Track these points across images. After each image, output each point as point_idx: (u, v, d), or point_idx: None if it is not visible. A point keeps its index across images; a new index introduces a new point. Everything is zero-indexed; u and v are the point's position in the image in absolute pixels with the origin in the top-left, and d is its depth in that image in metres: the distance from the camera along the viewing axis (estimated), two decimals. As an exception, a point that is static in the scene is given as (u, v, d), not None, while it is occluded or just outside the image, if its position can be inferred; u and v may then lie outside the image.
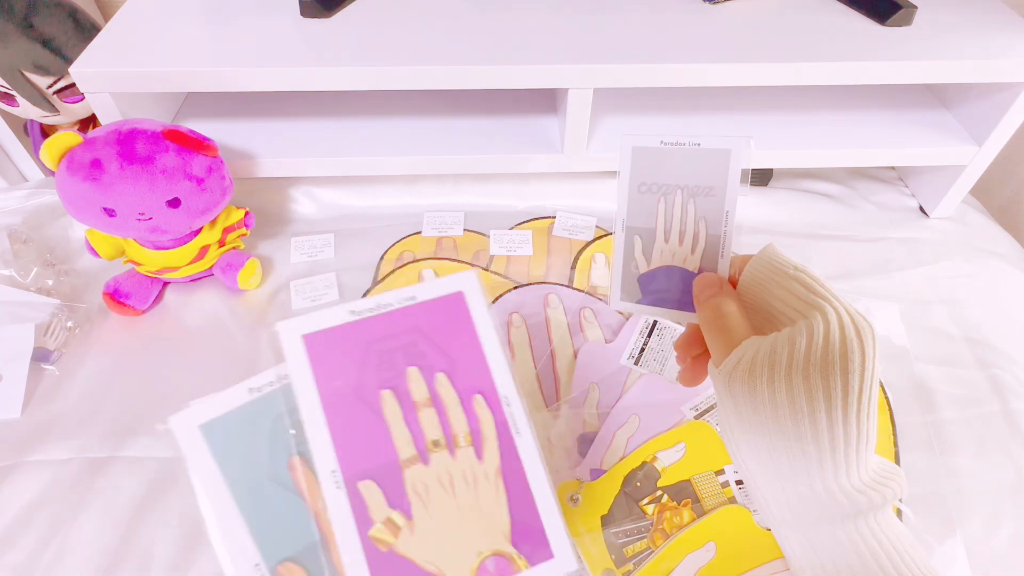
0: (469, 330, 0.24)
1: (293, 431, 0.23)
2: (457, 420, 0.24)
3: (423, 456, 0.23)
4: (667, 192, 0.37)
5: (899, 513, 0.46)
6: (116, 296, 0.56)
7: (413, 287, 0.25)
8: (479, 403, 0.24)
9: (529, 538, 0.24)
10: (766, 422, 0.30)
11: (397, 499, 0.23)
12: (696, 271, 0.37)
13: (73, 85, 0.60)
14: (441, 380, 0.24)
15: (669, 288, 0.37)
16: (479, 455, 0.24)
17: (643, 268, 0.38)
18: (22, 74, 0.62)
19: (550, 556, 0.24)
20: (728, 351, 0.32)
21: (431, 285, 0.24)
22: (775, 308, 0.33)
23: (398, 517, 0.23)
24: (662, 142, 0.36)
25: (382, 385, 0.24)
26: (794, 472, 0.30)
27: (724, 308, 0.33)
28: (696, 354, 0.36)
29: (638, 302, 0.38)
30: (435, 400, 0.24)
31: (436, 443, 0.24)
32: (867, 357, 0.30)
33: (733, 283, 0.36)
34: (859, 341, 0.30)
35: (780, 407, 0.30)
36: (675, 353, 0.39)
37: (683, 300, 0.37)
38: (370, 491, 0.23)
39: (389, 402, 0.24)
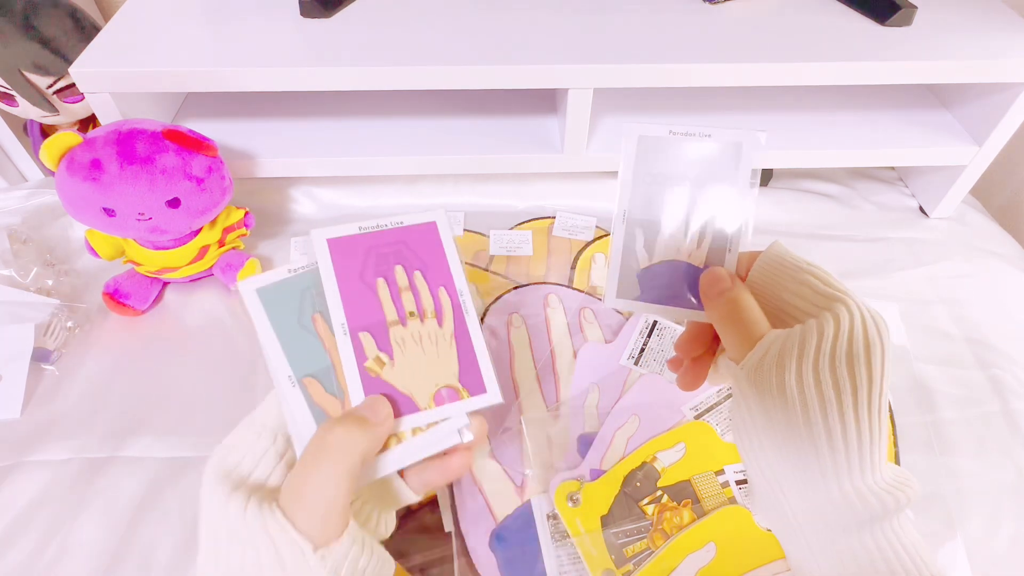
0: (439, 246, 0.36)
1: (317, 298, 0.34)
2: (427, 300, 0.35)
3: (403, 320, 0.35)
4: (674, 183, 0.36)
5: (899, 513, 0.46)
6: (116, 296, 0.56)
7: (401, 215, 0.36)
8: (442, 292, 0.36)
9: (471, 379, 0.35)
10: (794, 418, 0.29)
11: (384, 346, 0.34)
12: (701, 267, 0.35)
13: (73, 85, 0.60)
14: (417, 276, 0.36)
15: (672, 284, 0.36)
16: (440, 324, 0.35)
17: (644, 263, 0.36)
18: (22, 74, 0.62)
19: (484, 391, 0.35)
20: (749, 345, 0.31)
21: (414, 216, 0.36)
22: (788, 304, 0.32)
23: (384, 357, 0.34)
24: (671, 131, 0.35)
25: (377, 275, 0.35)
26: (823, 471, 0.29)
27: (742, 301, 0.32)
28: (697, 355, 0.36)
29: (636, 299, 0.36)
30: (412, 287, 0.35)
31: (412, 313, 0.35)
32: (886, 351, 0.30)
33: (742, 279, 0.35)
34: (878, 334, 0.30)
35: (810, 401, 0.29)
36: (673, 355, 0.38)
37: (686, 297, 0.36)
38: (366, 338, 0.34)
39: (382, 285, 0.35)
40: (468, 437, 0.34)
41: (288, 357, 0.33)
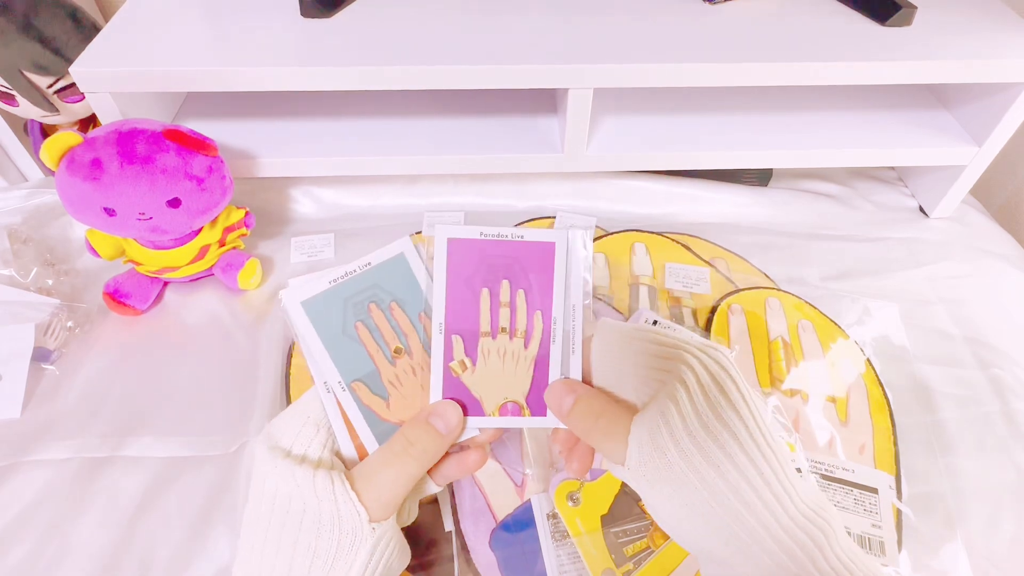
0: (549, 269, 0.36)
1: (359, 307, 0.36)
2: (521, 320, 0.37)
3: (494, 333, 0.36)
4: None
5: (899, 513, 0.46)
6: (116, 296, 0.56)
7: (524, 229, 0.37)
8: (538, 316, 0.37)
9: (536, 400, 0.37)
10: (699, 492, 0.29)
11: (471, 351, 0.36)
12: (530, 367, 0.37)
13: (73, 85, 0.60)
14: (520, 294, 0.36)
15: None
16: (526, 346, 0.37)
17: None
18: (22, 74, 0.62)
19: (544, 415, 0.37)
20: (622, 446, 0.32)
21: (537, 232, 0.36)
22: (636, 376, 0.33)
23: (468, 362, 0.36)
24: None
25: (483, 284, 0.36)
26: (750, 531, 0.29)
27: (594, 408, 0.34)
28: (576, 448, 0.37)
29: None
30: (512, 305, 0.36)
31: (504, 329, 0.36)
32: (739, 383, 0.30)
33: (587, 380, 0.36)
34: (726, 372, 0.31)
35: (701, 469, 0.29)
36: (558, 455, 0.39)
37: (536, 408, 0.37)
38: (457, 341, 0.36)
39: (484, 296, 0.36)
40: (474, 432, 0.37)
41: (336, 364, 0.36)
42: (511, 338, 0.36)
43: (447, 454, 0.37)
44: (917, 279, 0.63)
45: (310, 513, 0.33)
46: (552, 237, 0.37)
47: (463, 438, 0.37)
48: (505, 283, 0.36)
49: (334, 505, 0.32)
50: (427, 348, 0.37)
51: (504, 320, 0.36)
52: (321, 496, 0.32)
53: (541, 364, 0.37)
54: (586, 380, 0.37)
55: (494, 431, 0.38)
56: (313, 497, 0.32)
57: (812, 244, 0.66)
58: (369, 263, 0.36)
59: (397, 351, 0.37)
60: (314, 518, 0.32)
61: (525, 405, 0.37)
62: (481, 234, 0.36)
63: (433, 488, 0.38)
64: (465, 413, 0.36)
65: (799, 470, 0.44)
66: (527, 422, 0.37)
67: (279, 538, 0.33)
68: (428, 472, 0.37)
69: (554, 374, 0.37)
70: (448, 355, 0.36)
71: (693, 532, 0.31)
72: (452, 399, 0.36)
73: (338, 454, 0.36)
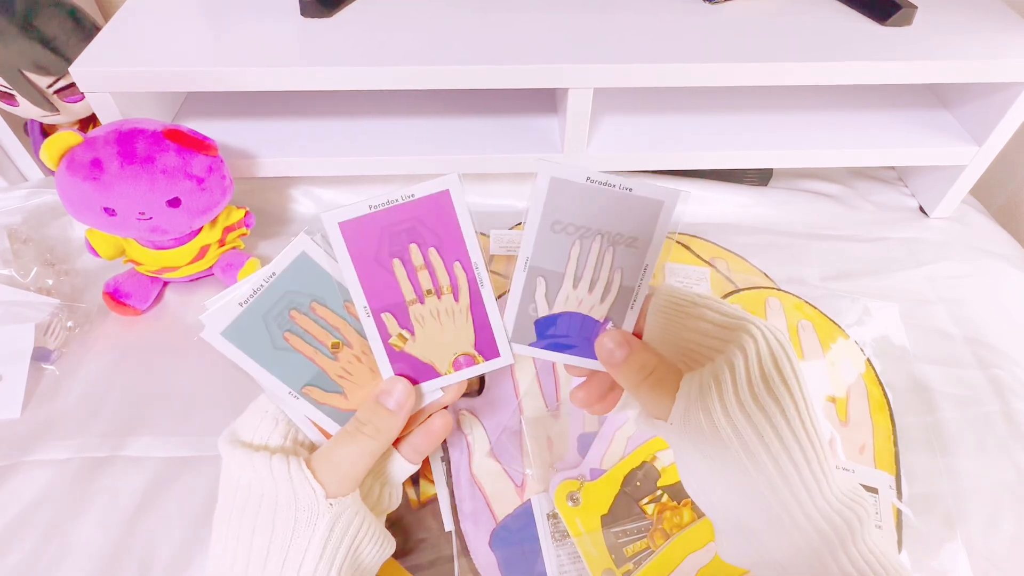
0: (452, 217, 0.35)
1: (280, 318, 0.35)
2: (443, 277, 0.36)
3: (420, 299, 0.36)
4: (584, 235, 0.35)
5: (899, 514, 0.46)
6: (116, 296, 0.56)
7: (413, 187, 0.34)
8: (457, 267, 0.36)
9: (485, 346, 0.37)
10: (738, 458, 0.29)
11: (405, 323, 0.36)
12: (602, 319, 0.36)
13: (73, 85, 0.60)
14: (432, 253, 0.35)
15: (569, 335, 0.37)
16: (456, 299, 0.36)
17: (542, 312, 0.37)
18: (22, 74, 0.62)
19: (497, 355, 0.37)
20: (667, 401, 0.31)
21: (425, 185, 0.34)
22: (691, 343, 0.33)
23: (405, 334, 0.36)
24: (588, 179, 0.34)
25: (393, 255, 0.35)
26: (784, 503, 0.29)
27: (646, 362, 0.33)
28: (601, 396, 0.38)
29: (531, 344, 0.37)
30: (428, 265, 0.36)
31: (429, 291, 0.36)
32: (795, 364, 0.30)
33: (637, 334, 0.36)
34: (784, 351, 0.30)
35: (746, 436, 0.29)
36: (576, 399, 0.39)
37: (583, 348, 0.37)
38: (388, 319, 0.36)
39: (398, 266, 0.35)
40: (437, 395, 0.38)
41: (281, 378, 0.36)
42: (439, 297, 0.36)
43: (411, 427, 0.38)
44: (917, 279, 0.63)
45: (268, 496, 0.33)
46: (443, 185, 0.34)
47: (427, 402, 0.38)
48: (413, 247, 0.35)
49: (289, 485, 0.33)
50: (362, 334, 0.36)
51: (426, 282, 0.36)
52: (277, 478, 0.33)
53: (477, 310, 0.37)
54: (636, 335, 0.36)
55: (455, 391, 0.38)
56: (270, 480, 0.33)
57: (812, 244, 0.66)
58: (273, 272, 0.35)
59: (335, 346, 0.37)
60: (271, 500, 0.33)
61: (476, 353, 0.37)
62: (371, 207, 0.34)
63: (408, 468, 0.39)
64: (420, 381, 0.37)
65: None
66: (483, 367, 0.37)
67: (240, 524, 0.34)
68: (400, 451, 0.38)
69: (493, 315, 0.37)
70: (384, 334, 0.36)
71: (725, 497, 0.31)
72: (403, 373, 0.37)
73: (304, 444, 0.37)
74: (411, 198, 0.34)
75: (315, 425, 0.37)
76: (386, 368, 0.37)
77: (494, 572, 0.43)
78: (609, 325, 0.36)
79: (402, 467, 0.39)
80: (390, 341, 0.36)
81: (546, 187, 0.34)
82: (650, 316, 0.35)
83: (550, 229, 0.35)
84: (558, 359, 0.38)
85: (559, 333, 0.37)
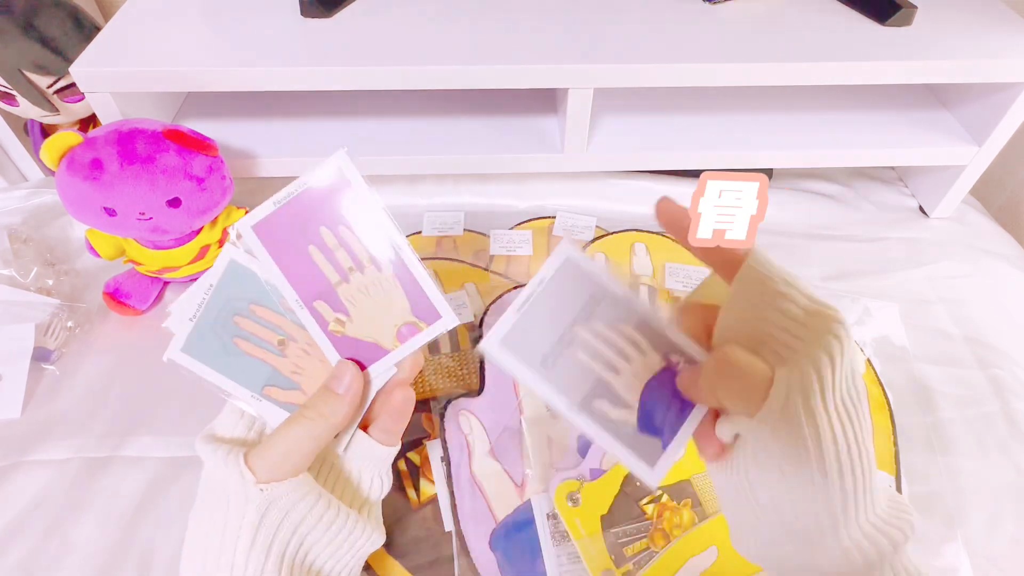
0: (352, 192, 0.36)
1: (225, 327, 0.36)
2: (360, 251, 0.36)
3: (345, 279, 0.36)
4: (570, 342, 0.32)
5: (899, 513, 0.46)
6: (116, 296, 0.56)
7: (306, 176, 0.35)
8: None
9: (424, 311, 0.36)
10: (821, 460, 0.27)
11: (338, 307, 0.36)
12: (665, 366, 0.33)
13: (73, 85, 0.60)
14: (343, 230, 0.36)
15: (665, 402, 0.33)
16: (379, 269, 0.36)
17: (633, 419, 0.33)
18: (22, 74, 0.62)
19: (439, 318, 0.36)
20: (755, 398, 0.28)
21: (316, 169, 0.35)
22: (779, 328, 0.29)
23: (342, 316, 0.36)
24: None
25: (308, 243, 0.36)
26: (833, 518, 0.27)
27: (730, 355, 0.29)
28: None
29: (665, 448, 0.32)
30: (342, 243, 0.36)
31: (351, 268, 0.36)
32: (860, 372, 0.29)
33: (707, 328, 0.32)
34: (858, 360, 0.29)
35: (839, 437, 0.27)
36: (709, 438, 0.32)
37: (686, 404, 0.33)
38: (321, 306, 0.36)
39: (315, 252, 0.36)
40: (391, 372, 0.37)
41: (241, 383, 0.37)
42: (363, 271, 0.36)
43: (378, 407, 0.38)
44: (917, 279, 0.63)
45: (217, 486, 0.34)
46: (332, 163, 0.36)
47: (384, 381, 0.37)
48: (323, 229, 0.36)
49: (225, 474, 0.33)
50: (303, 328, 0.37)
51: (345, 261, 0.36)
52: (217, 471, 0.34)
53: (403, 276, 0.36)
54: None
55: (411, 363, 0.38)
56: (214, 474, 0.34)
57: (812, 244, 0.66)
58: (211, 284, 0.36)
59: (281, 343, 0.37)
60: (215, 490, 0.34)
61: (417, 320, 0.37)
62: (275, 204, 0.36)
63: (388, 450, 0.39)
64: (370, 360, 0.37)
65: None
66: (428, 333, 0.37)
67: (196, 514, 0.35)
68: (371, 435, 0.38)
69: (421, 277, 0.36)
70: (322, 322, 0.36)
71: (784, 496, 0.28)
72: (351, 357, 0.37)
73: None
74: (306, 186, 0.36)
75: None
76: (331, 354, 0.37)
77: (494, 572, 0.43)
78: (673, 359, 0.33)
79: (381, 450, 0.39)
80: (329, 328, 0.36)
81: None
82: (736, 284, 0.30)
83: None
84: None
85: (661, 409, 0.32)
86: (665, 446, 0.32)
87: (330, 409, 0.35)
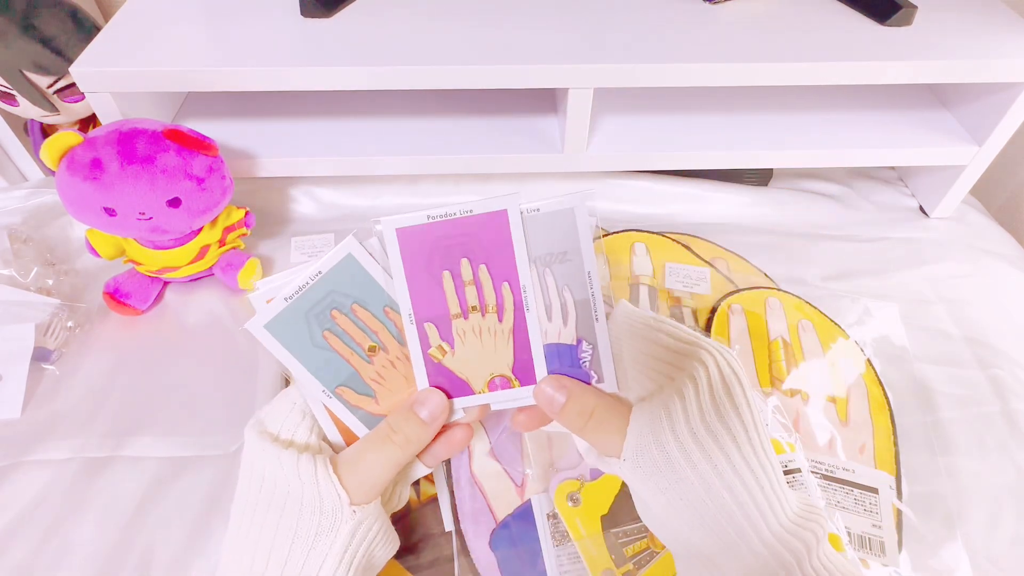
0: (507, 238, 0.35)
1: (321, 316, 0.36)
2: (489, 296, 0.36)
3: (464, 314, 0.36)
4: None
5: (899, 514, 0.46)
6: (116, 296, 0.56)
7: (472, 203, 0.35)
8: (505, 287, 0.36)
9: (523, 371, 0.37)
10: (693, 489, 0.29)
11: (446, 336, 0.36)
12: (575, 343, 0.36)
13: (73, 85, 0.60)
14: (483, 269, 0.35)
15: (560, 370, 0.37)
16: (500, 319, 0.36)
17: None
18: (22, 74, 0.62)
19: (534, 383, 0.37)
20: (616, 440, 0.32)
21: (485, 202, 0.35)
22: (646, 367, 0.33)
23: (446, 346, 0.36)
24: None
25: (443, 267, 0.35)
26: (740, 531, 0.29)
27: (587, 405, 0.34)
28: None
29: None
30: (476, 282, 0.36)
31: (474, 308, 0.36)
32: (746, 388, 0.31)
33: None
34: (735, 375, 0.31)
35: (699, 465, 0.29)
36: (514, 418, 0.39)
37: (571, 375, 0.37)
38: (430, 329, 0.36)
39: (447, 279, 0.36)
40: (461, 414, 0.38)
41: (316, 376, 0.36)
42: (483, 315, 0.36)
43: (437, 436, 0.37)
44: (917, 279, 0.63)
45: (293, 496, 0.33)
46: (502, 204, 0.35)
47: (454, 419, 0.37)
48: (464, 261, 0.35)
49: (316, 488, 0.33)
50: (399, 340, 0.37)
51: (472, 298, 0.36)
52: (304, 479, 0.33)
53: (520, 333, 0.36)
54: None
55: (479, 409, 0.38)
56: (296, 480, 0.33)
57: (812, 244, 0.66)
58: (320, 271, 0.35)
59: (371, 349, 0.37)
60: (296, 500, 0.33)
61: (513, 377, 0.37)
62: (428, 217, 0.35)
63: (422, 470, 0.39)
64: (453, 396, 0.37)
65: (797, 471, 0.44)
66: (517, 393, 0.37)
67: (263, 520, 0.34)
68: (420, 456, 0.38)
69: (535, 341, 0.36)
70: (424, 343, 0.36)
71: (682, 526, 0.31)
72: (438, 385, 0.37)
73: (329, 442, 0.37)
74: (469, 213, 0.35)
75: (337, 425, 0.37)
76: (422, 377, 0.37)
77: (494, 572, 0.43)
78: (584, 344, 0.36)
79: (417, 468, 0.39)
80: (429, 351, 0.36)
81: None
82: (612, 331, 0.36)
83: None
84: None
85: (553, 370, 0.37)
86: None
87: (417, 436, 0.35)
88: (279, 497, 0.34)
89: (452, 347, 0.36)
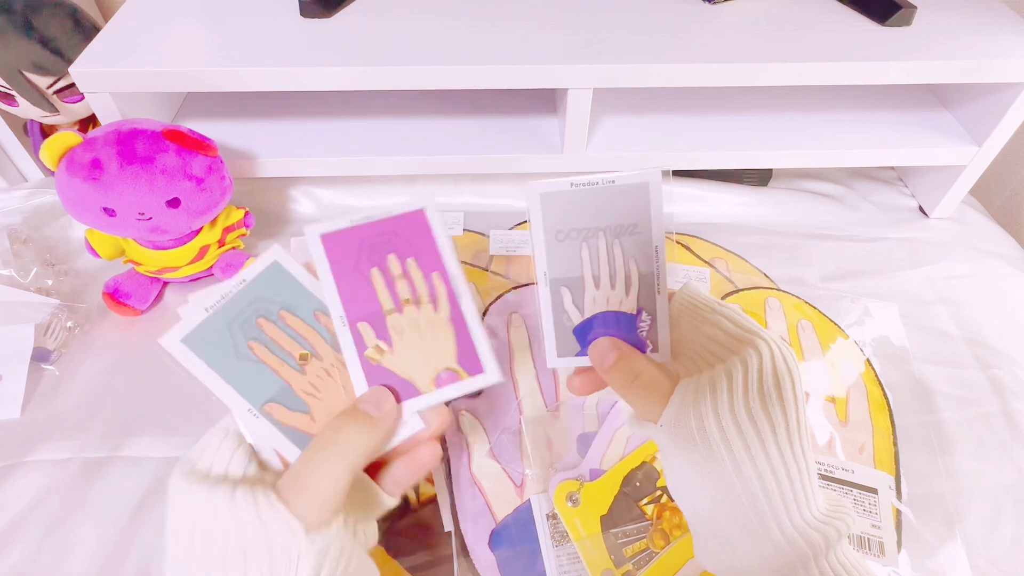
0: (429, 233, 0.35)
1: (245, 325, 0.34)
2: (421, 287, 0.35)
3: (399, 308, 0.35)
4: (588, 236, 0.36)
5: (899, 514, 0.46)
6: (116, 296, 0.56)
7: (392, 204, 0.35)
8: (436, 277, 0.35)
9: (468, 360, 0.35)
10: (723, 466, 0.30)
11: (382, 334, 0.35)
12: (635, 312, 0.36)
13: (73, 85, 0.60)
14: (410, 263, 0.35)
15: (608, 334, 0.36)
16: (436, 309, 0.35)
17: (576, 320, 0.37)
18: (22, 74, 0.62)
19: (481, 371, 0.35)
20: (658, 403, 0.32)
21: (400, 203, 0.35)
22: (702, 347, 0.33)
23: (383, 345, 0.34)
24: (572, 184, 0.35)
25: (371, 265, 0.35)
26: (760, 516, 0.29)
27: (635, 367, 0.34)
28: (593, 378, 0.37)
29: (578, 355, 0.37)
30: (406, 275, 0.35)
31: (407, 301, 0.35)
32: (797, 385, 0.30)
33: None
34: (788, 370, 0.31)
35: (734, 445, 0.29)
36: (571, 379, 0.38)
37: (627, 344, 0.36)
38: (365, 328, 0.34)
39: (376, 275, 0.35)
40: (419, 425, 0.34)
41: (241, 392, 0.33)
42: (418, 307, 0.35)
43: (393, 456, 0.34)
44: (917, 279, 0.63)
45: (233, 541, 0.28)
46: (419, 203, 0.35)
47: (407, 435, 0.34)
48: (392, 256, 0.35)
49: (259, 524, 0.28)
50: (334, 347, 0.35)
51: (404, 292, 0.35)
52: (243, 518, 0.28)
53: (458, 322, 0.35)
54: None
55: (443, 421, 0.35)
56: (233, 521, 0.28)
57: (812, 244, 0.66)
58: (244, 279, 0.33)
59: (303, 357, 0.34)
60: (238, 545, 0.28)
61: (460, 368, 0.35)
62: (351, 221, 0.35)
63: (387, 500, 0.34)
64: (399, 399, 0.34)
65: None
66: (467, 384, 0.35)
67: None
68: (379, 482, 0.34)
69: (474, 328, 0.35)
70: (360, 345, 0.34)
71: (705, 501, 0.31)
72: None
73: (269, 469, 0.33)
74: (388, 215, 0.35)
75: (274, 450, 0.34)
76: (360, 382, 0.34)
77: (494, 572, 0.43)
78: (643, 315, 0.36)
79: (380, 499, 0.34)
80: (366, 353, 0.34)
81: (539, 203, 0.35)
82: (672, 311, 0.35)
83: (555, 240, 0.36)
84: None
85: (599, 335, 0.36)
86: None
87: (363, 436, 0.31)
88: (216, 550, 0.28)
89: (390, 345, 0.34)
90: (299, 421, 0.34)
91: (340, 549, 0.30)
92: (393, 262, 0.35)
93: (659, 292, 0.36)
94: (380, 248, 0.35)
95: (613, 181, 0.35)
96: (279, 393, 0.34)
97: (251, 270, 0.34)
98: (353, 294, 0.34)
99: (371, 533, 0.34)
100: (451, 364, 0.35)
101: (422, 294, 0.35)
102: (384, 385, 0.34)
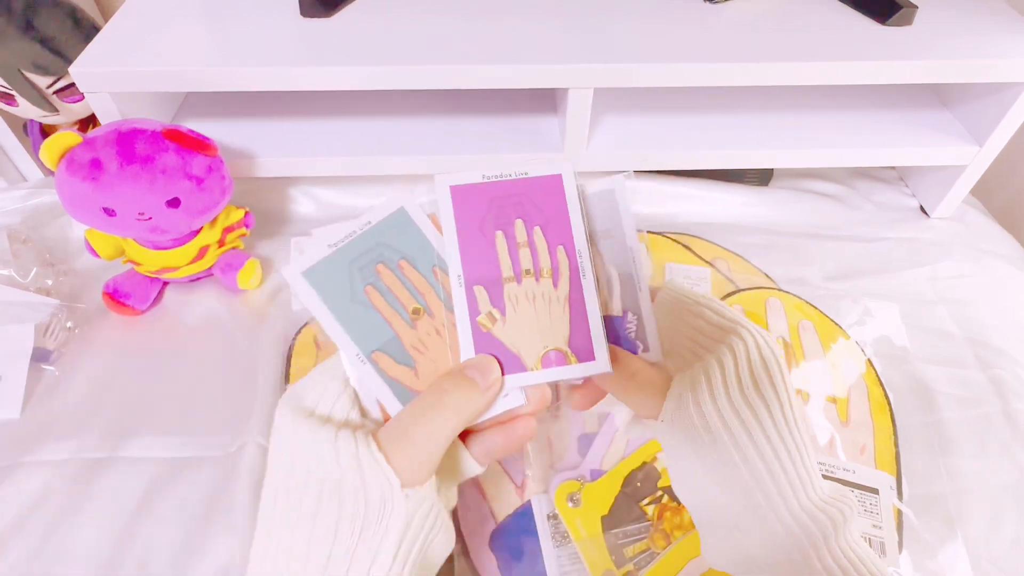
0: (562, 201, 0.34)
1: (365, 269, 0.32)
2: (544, 259, 0.34)
3: (518, 278, 0.33)
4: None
5: (900, 514, 0.46)
6: (116, 296, 0.56)
7: (527, 165, 0.34)
8: (560, 251, 0.34)
9: (580, 345, 0.33)
10: (727, 453, 0.30)
11: (497, 301, 0.33)
12: (621, 314, 0.35)
13: (73, 85, 0.60)
14: (537, 231, 0.34)
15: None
16: (555, 285, 0.33)
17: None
18: (22, 74, 0.62)
19: (592, 359, 0.33)
20: (656, 403, 0.32)
21: (540, 166, 0.34)
22: (690, 340, 0.33)
23: (496, 313, 0.33)
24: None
25: (497, 227, 0.33)
26: (769, 498, 0.29)
27: (631, 367, 0.33)
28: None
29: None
30: (531, 244, 0.34)
31: (528, 271, 0.33)
32: (783, 370, 0.31)
33: None
34: (775, 357, 0.31)
35: (735, 430, 0.30)
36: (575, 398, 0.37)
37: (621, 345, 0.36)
38: (480, 292, 0.33)
39: (500, 239, 0.33)
40: (520, 401, 0.33)
41: (351, 335, 0.32)
42: (537, 280, 0.33)
43: (487, 426, 0.33)
44: (918, 279, 0.63)
45: (329, 482, 0.28)
46: (558, 168, 0.34)
47: (506, 407, 0.33)
48: (519, 222, 0.33)
49: (358, 472, 0.28)
50: (447, 305, 0.33)
51: (526, 261, 0.33)
52: (343, 462, 0.28)
53: (576, 302, 0.33)
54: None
55: (541, 398, 0.33)
56: (334, 463, 0.28)
57: (812, 244, 0.66)
58: (369, 221, 0.32)
59: (416, 312, 0.33)
60: (333, 488, 0.28)
61: (569, 352, 0.33)
62: (483, 177, 0.33)
63: (474, 468, 0.34)
64: (503, 372, 0.32)
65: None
66: (574, 370, 0.33)
67: (297, 516, 0.28)
68: (469, 448, 0.33)
69: (592, 310, 0.33)
70: (473, 309, 0.33)
71: (711, 488, 0.31)
72: None
73: (368, 417, 0.32)
74: (524, 175, 0.34)
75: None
76: (468, 347, 0.32)
77: (494, 572, 0.43)
78: (629, 316, 0.36)
79: (468, 466, 0.33)
80: (478, 319, 0.33)
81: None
82: (656, 311, 0.35)
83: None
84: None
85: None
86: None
87: (471, 401, 0.30)
88: (313, 488, 0.28)
89: (503, 314, 0.33)
90: (403, 375, 0.32)
91: (429, 508, 0.30)
92: (519, 228, 0.34)
93: (641, 291, 0.35)
94: (508, 211, 0.33)
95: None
96: (388, 343, 0.32)
97: (378, 212, 0.33)
98: (474, 255, 0.33)
99: (451, 497, 0.34)
100: (561, 345, 0.33)
101: (544, 267, 0.34)
102: (490, 352, 0.33)
